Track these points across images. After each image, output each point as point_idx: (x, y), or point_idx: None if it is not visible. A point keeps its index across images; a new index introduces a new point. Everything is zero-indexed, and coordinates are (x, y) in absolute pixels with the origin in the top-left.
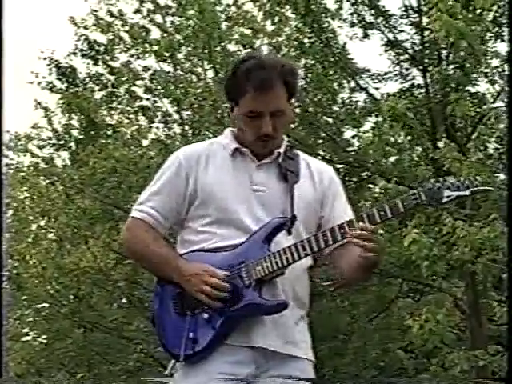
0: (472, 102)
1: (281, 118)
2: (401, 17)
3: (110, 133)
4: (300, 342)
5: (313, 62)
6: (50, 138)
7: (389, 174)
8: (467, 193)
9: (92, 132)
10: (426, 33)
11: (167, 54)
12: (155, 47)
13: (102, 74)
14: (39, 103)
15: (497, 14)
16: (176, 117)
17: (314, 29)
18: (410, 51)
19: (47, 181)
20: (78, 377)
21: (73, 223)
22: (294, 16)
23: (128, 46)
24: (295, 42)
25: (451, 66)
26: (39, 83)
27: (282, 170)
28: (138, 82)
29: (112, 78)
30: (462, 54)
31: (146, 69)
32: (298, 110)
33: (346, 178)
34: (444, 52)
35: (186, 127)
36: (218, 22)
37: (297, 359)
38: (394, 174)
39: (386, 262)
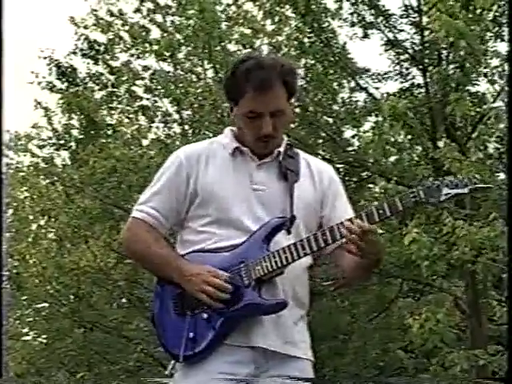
0: (472, 102)
1: (281, 117)
2: (401, 16)
3: (110, 132)
4: (299, 342)
5: (313, 61)
6: (50, 138)
7: (389, 173)
8: (466, 191)
9: (92, 132)
10: (426, 32)
11: (167, 54)
12: (155, 47)
13: (102, 74)
14: (39, 103)
15: (497, 14)
16: (176, 116)
17: (314, 28)
18: (410, 51)
19: (47, 180)
20: (78, 376)
21: (73, 223)
22: (293, 16)
23: (128, 46)
24: (295, 42)
25: (451, 66)
26: (39, 83)
27: (282, 169)
28: (138, 82)
29: (112, 77)
30: (461, 53)
31: (146, 68)
32: (298, 110)
33: (346, 178)
34: (444, 52)
35: (186, 127)
36: (217, 21)
37: (296, 359)
38: (393, 174)
39: (386, 261)
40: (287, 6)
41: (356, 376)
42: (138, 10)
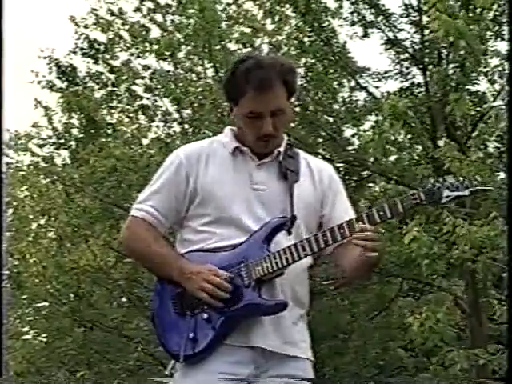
0: (472, 101)
1: (281, 117)
2: (401, 15)
3: (110, 132)
4: (299, 342)
5: (313, 60)
6: (50, 137)
7: (388, 172)
8: (466, 193)
9: (92, 131)
10: (426, 32)
11: (167, 53)
12: (155, 46)
13: (102, 73)
14: (39, 102)
15: (497, 13)
16: (176, 115)
17: (314, 27)
18: (410, 50)
19: (47, 180)
20: (78, 375)
21: (73, 222)
22: (294, 15)
23: (128, 45)
24: (295, 41)
25: (451, 65)
26: (39, 82)
27: (282, 168)
28: (138, 81)
29: (112, 76)
30: (461, 53)
31: (146, 68)
32: (298, 109)
33: (346, 177)
34: (444, 51)
35: (186, 126)
36: (218, 20)
37: (296, 359)
38: (393, 173)
39: (387, 260)
40: (287, 5)
41: (356, 375)
42: (138, 9)
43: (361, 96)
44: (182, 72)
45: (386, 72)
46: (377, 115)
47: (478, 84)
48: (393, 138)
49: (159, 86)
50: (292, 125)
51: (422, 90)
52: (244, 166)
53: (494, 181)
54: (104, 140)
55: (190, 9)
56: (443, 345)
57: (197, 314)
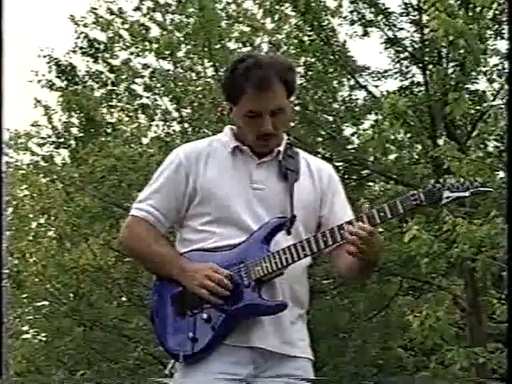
0: (472, 100)
1: (280, 116)
2: (400, 14)
3: (109, 131)
4: (298, 341)
5: (313, 59)
6: (49, 136)
7: (388, 171)
8: (467, 194)
9: (92, 130)
10: (426, 31)
11: (167, 52)
12: (155, 45)
13: (101, 72)
14: (39, 101)
15: (496, 12)
16: (176, 115)
17: (313, 27)
18: (410, 49)
19: (47, 179)
20: (77, 375)
21: (73, 221)
22: (293, 14)
23: (128, 44)
24: (295, 40)
25: (451, 64)
26: (39, 81)
27: (282, 168)
28: (137, 80)
29: (112, 75)
30: (461, 51)
31: (145, 67)
32: (297, 108)
33: (346, 176)
34: (444, 50)
35: (186, 125)
36: (217, 19)
37: (295, 358)
38: (393, 172)
39: (386, 259)
40: (287, 4)
41: (356, 374)
42: (137, 9)
43: (360, 95)
44: (181, 71)
45: (385, 71)
46: (376, 114)
47: (477, 83)
48: (392, 137)
49: (159, 85)
50: (292, 124)
51: (422, 89)
52: (244, 165)
53: (494, 180)
54: (104, 139)
55: (190, 8)
56: (443, 343)
57: (196, 314)
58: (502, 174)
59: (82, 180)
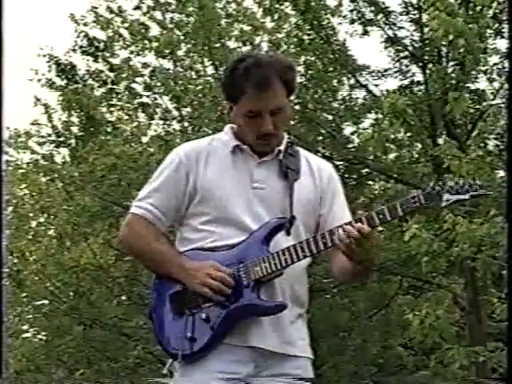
0: (472, 99)
1: (281, 115)
2: (400, 13)
3: (109, 129)
4: (297, 340)
5: (313, 58)
6: (49, 135)
7: (388, 170)
8: (467, 196)
9: (92, 129)
10: (426, 30)
11: (167, 51)
12: (155, 44)
13: (101, 71)
14: (39, 100)
15: (496, 11)
16: (176, 113)
17: (313, 26)
18: (410, 48)
19: (47, 177)
20: (77, 373)
21: (72, 220)
22: (293, 13)
23: (128, 43)
24: (295, 39)
25: (451, 63)
26: (39, 80)
27: (282, 167)
28: (137, 79)
29: (112, 74)
30: (461, 51)
31: (145, 65)
32: (297, 107)
33: (346, 175)
34: (444, 49)
35: (186, 124)
36: (217, 18)
37: (295, 358)
38: (393, 171)
39: (386, 258)
40: (287, 3)
41: (355, 373)
42: (137, 7)
43: (360, 94)
44: (181, 70)
45: (385, 70)
46: (376, 113)
47: (477, 82)
48: (392, 136)
49: (159, 84)
50: (292, 123)
51: (422, 88)
52: (244, 165)
53: (494, 179)
54: (104, 138)
55: (190, 7)
56: (443, 342)
57: (195, 314)
58: (501, 172)
59: (81, 179)
